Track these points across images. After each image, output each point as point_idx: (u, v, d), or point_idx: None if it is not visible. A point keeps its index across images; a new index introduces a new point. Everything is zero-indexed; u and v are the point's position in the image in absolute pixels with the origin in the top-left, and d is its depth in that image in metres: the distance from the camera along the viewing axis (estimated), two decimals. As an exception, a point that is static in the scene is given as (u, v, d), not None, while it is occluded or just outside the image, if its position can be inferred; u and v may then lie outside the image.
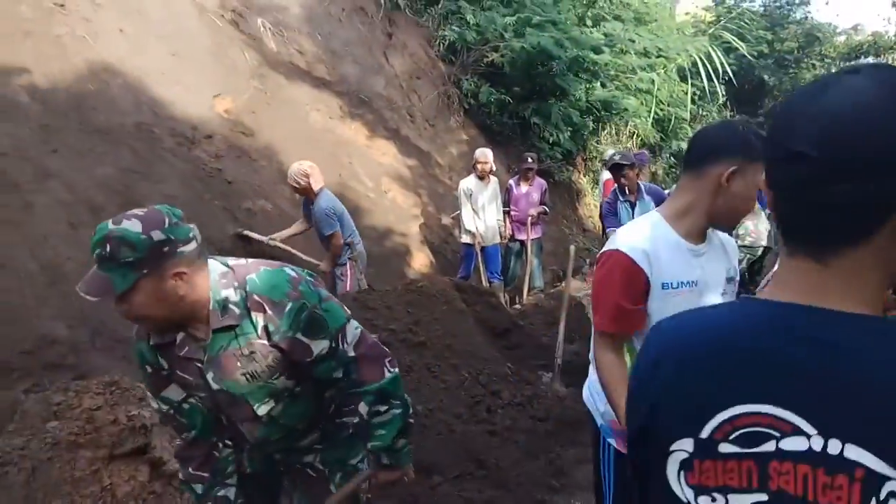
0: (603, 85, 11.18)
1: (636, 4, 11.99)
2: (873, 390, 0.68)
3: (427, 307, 4.38)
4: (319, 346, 1.70)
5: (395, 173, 8.07)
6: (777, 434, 0.73)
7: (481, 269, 6.92)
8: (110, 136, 5.39)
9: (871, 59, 19.24)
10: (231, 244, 5.37)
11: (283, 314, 1.64)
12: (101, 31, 6.02)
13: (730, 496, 0.76)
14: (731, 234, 2.21)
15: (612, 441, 2.00)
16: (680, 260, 1.82)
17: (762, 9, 17.67)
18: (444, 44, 9.80)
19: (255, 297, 1.64)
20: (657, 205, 5.03)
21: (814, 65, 17.81)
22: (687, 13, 19.47)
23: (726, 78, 12.77)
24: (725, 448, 0.76)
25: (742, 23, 14.66)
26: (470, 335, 4.45)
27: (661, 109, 12.76)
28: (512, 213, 7.38)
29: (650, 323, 1.78)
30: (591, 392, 2.06)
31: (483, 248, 6.88)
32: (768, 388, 0.74)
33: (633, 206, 5.25)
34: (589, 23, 10.73)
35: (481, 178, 6.86)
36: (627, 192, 5.21)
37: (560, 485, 3.37)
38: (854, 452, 0.68)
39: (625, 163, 5.11)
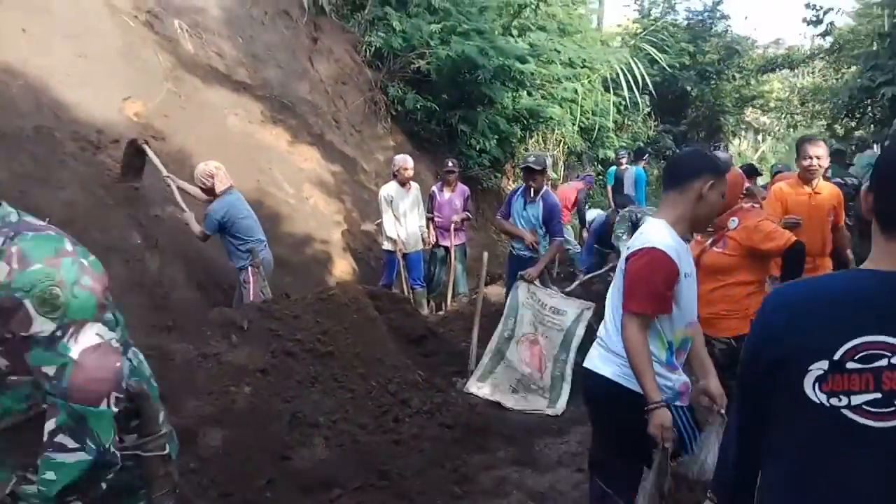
0: (529, 94, 11.35)
1: (561, 16, 12.26)
2: None
3: (337, 316, 4.32)
4: (42, 325, 1.42)
5: (317, 179, 7.96)
6: (889, 354, 1.15)
7: (403, 276, 6.89)
8: (6, 140, 5.12)
9: (785, 71, 20.28)
10: (138, 253, 5.18)
11: (25, 271, 1.41)
12: (2, 30, 5.73)
13: (852, 397, 1.17)
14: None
15: (679, 403, 2.37)
16: (685, 255, 2.35)
17: (685, 22, 18.32)
18: (370, 50, 9.76)
19: (13, 249, 1.42)
20: (546, 209, 5.21)
21: (734, 76, 18.55)
22: (619, 25, 20.06)
23: (648, 89, 13.18)
24: (851, 365, 1.17)
25: (663, 36, 15.16)
26: (381, 343, 4.41)
27: (587, 118, 13.05)
28: (436, 219, 7.39)
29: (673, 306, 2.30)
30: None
31: (405, 255, 6.86)
32: (882, 325, 1.16)
33: (526, 205, 5.35)
34: (515, 32, 10.89)
35: (403, 184, 6.83)
36: (532, 193, 5.30)
37: (463, 492, 3.37)
38: None
39: (536, 168, 5.19)
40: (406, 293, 6.87)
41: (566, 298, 5.15)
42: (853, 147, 13.25)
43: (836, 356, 1.18)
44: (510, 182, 12.46)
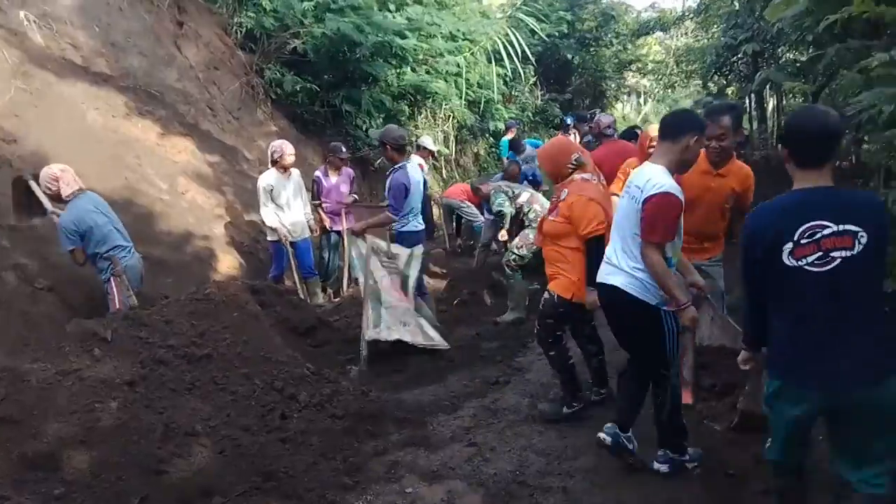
0: (413, 69, 11.24)
1: (437, -11, 12.18)
2: (854, 205, 2.19)
3: (214, 316, 4.11)
4: None
5: (193, 172, 7.56)
6: (821, 229, 2.15)
7: (294, 266, 6.69)
8: None
9: (659, 34, 21.10)
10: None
11: None
12: None
13: (807, 258, 2.17)
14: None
15: (667, 308, 2.96)
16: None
17: (563, -9, 18.67)
18: (241, 31, 9.33)
19: None
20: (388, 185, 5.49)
21: (611, 41, 19.12)
22: (502, -4, 20.18)
23: (531, 60, 13.35)
24: (803, 241, 2.17)
25: (541, 5, 15.38)
26: (266, 340, 4.24)
27: (473, 92, 13.11)
28: (324, 205, 7.22)
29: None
30: (646, 286, 2.94)
31: (293, 244, 6.64)
32: (813, 215, 2.16)
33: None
34: (392, 7, 10.69)
35: (283, 171, 6.59)
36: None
37: (354, 482, 3.30)
38: (851, 227, 2.13)
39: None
40: (298, 283, 6.68)
41: (395, 245, 5.53)
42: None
43: (795, 237, 2.20)
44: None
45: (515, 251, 5.88)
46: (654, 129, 4.36)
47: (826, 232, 2.15)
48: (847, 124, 4.32)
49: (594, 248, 3.54)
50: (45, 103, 6.76)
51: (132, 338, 3.70)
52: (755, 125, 15.08)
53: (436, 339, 5.29)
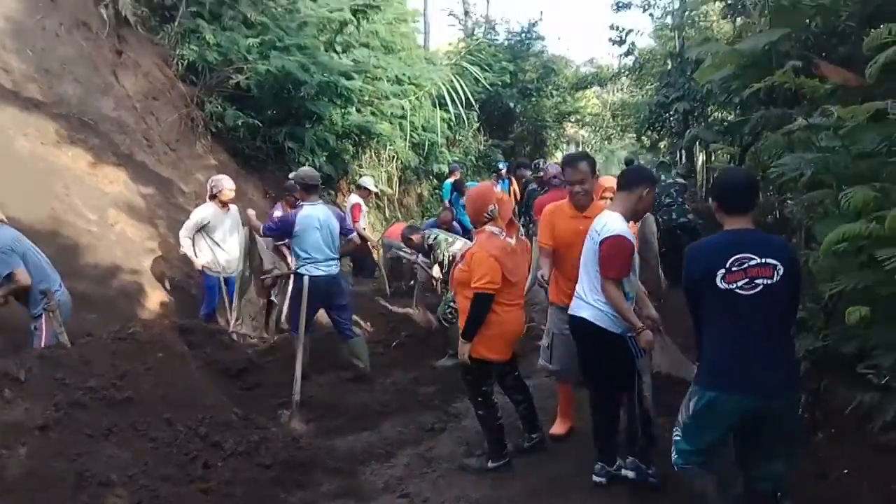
0: (358, 110, 11.28)
1: (383, 33, 12.31)
2: (772, 244, 2.75)
3: (138, 357, 3.93)
4: None
5: (125, 203, 7.30)
6: (748, 260, 2.64)
7: (226, 303, 6.48)
8: None
9: (596, 88, 21.97)
10: None
11: None
12: None
13: (737, 283, 2.64)
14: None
15: (631, 335, 3.32)
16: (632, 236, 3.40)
17: (506, 42, 19.23)
18: (183, 64, 9.17)
19: None
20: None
21: (552, 93, 19.75)
22: (450, 44, 20.63)
23: (474, 107, 13.63)
24: (734, 268, 2.65)
25: (483, 55, 15.80)
26: (192, 382, 4.08)
27: (418, 134, 13.24)
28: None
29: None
30: (610, 317, 3.33)
31: (227, 280, 6.46)
32: (740, 249, 2.67)
33: None
34: (338, 49, 10.76)
35: (223, 205, 6.43)
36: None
37: (280, 536, 3.17)
38: (770, 261, 2.64)
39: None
40: (231, 316, 6.46)
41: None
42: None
43: (727, 265, 2.66)
44: (344, 199, 12.31)
45: (451, 304, 5.88)
46: (606, 180, 4.76)
47: (752, 262, 2.65)
48: (772, 183, 4.58)
49: (477, 303, 3.58)
50: (-31, 127, 6.46)
51: (49, 378, 3.49)
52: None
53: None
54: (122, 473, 3.20)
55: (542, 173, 7.86)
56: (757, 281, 2.63)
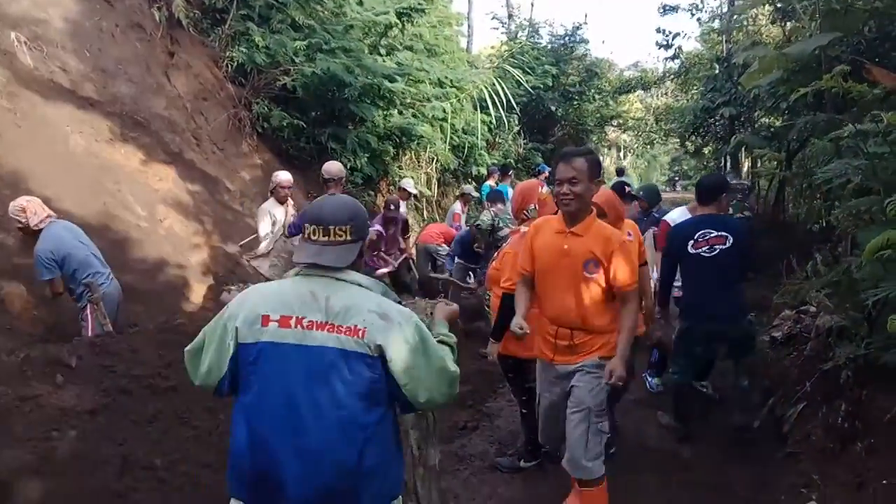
0: (399, 112, 11.40)
1: (427, 37, 12.43)
2: (727, 222, 4.25)
3: (183, 348, 4.04)
4: None
5: (173, 200, 7.54)
6: (710, 233, 4.03)
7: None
8: None
9: (640, 92, 21.72)
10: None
11: None
12: None
13: (701, 248, 4.02)
14: None
15: None
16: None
17: (549, 46, 19.19)
18: (232, 65, 9.41)
19: None
20: None
21: (594, 97, 19.62)
22: (492, 47, 20.68)
23: (515, 110, 13.62)
24: (700, 239, 4.04)
25: (528, 58, 15.77)
26: (233, 374, 4.18)
27: (458, 137, 13.30)
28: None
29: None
30: None
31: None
32: (708, 226, 4.07)
33: None
34: (382, 51, 10.90)
35: (281, 202, 6.33)
36: None
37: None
38: (724, 234, 4.08)
39: None
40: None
41: None
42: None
43: (695, 237, 4.01)
44: (384, 199, 12.45)
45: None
46: (604, 194, 3.84)
47: (712, 235, 3.99)
48: (818, 190, 4.61)
49: (504, 303, 3.45)
50: (29, 124, 6.74)
51: (97, 366, 3.64)
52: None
53: None
54: (164, 459, 3.31)
55: None
56: (716, 247, 3.96)
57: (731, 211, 8.04)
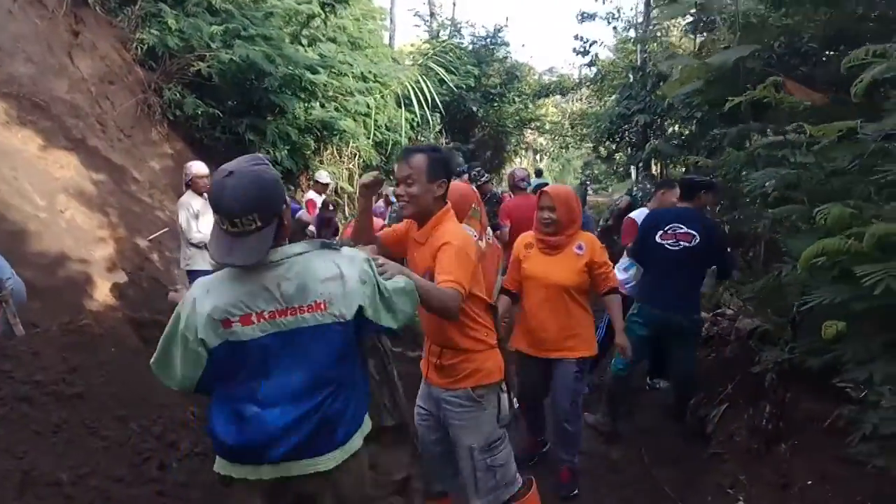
0: (322, 105, 11.11)
1: (351, 29, 12.18)
2: (695, 221, 4.35)
3: (90, 350, 3.74)
4: None
5: (76, 189, 6.99)
6: (679, 227, 4.22)
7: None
8: None
9: (557, 97, 22.26)
10: None
11: None
12: None
13: (667, 241, 4.21)
14: None
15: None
16: None
17: (471, 46, 19.30)
18: (142, 48, 8.86)
19: None
20: None
21: (514, 99, 19.91)
22: (412, 44, 20.56)
23: (438, 108, 13.60)
24: (668, 231, 4.22)
25: (451, 57, 15.79)
26: (145, 379, 3.89)
27: (381, 133, 13.13)
28: None
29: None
30: None
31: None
32: (678, 220, 4.28)
33: None
34: (304, 42, 10.58)
35: (199, 194, 6.02)
36: None
37: (238, 541, 3.04)
38: (692, 231, 4.26)
39: None
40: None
41: None
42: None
43: (664, 229, 4.19)
44: (304, 194, 12.11)
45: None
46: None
47: (681, 230, 4.10)
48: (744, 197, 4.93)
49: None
50: None
51: (-7, 371, 3.28)
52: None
53: None
54: (71, 473, 3.01)
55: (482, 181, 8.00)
56: (681, 243, 4.07)
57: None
